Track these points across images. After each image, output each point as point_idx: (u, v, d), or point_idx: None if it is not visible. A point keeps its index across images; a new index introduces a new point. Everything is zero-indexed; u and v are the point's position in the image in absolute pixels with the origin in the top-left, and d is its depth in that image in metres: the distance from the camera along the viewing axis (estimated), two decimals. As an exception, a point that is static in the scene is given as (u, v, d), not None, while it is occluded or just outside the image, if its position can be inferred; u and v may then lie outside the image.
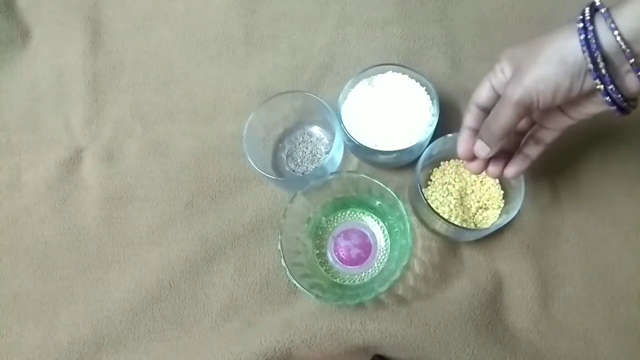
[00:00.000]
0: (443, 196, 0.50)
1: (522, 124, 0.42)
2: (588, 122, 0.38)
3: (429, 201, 0.47)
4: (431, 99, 0.50)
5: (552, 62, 0.33)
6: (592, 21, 0.32)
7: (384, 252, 0.51)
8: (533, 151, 0.41)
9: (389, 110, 0.50)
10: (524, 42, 0.36)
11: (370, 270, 0.50)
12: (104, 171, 0.57)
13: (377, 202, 0.51)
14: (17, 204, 0.57)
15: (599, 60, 0.32)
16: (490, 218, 0.49)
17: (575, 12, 0.33)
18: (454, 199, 0.50)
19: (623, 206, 0.51)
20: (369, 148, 0.48)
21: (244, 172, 0.55)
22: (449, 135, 0.48)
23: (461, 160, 0.52)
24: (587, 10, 0.33)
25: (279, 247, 0.46)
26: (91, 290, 0.53)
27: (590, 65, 0.32)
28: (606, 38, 0.32)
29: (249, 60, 0.61)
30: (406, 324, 0.47)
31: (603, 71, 0.32)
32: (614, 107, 0.34)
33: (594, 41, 0.32)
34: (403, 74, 0.51)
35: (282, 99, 0.51)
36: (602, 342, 0.47)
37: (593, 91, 0.34)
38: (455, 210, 0.49)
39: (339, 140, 0.49)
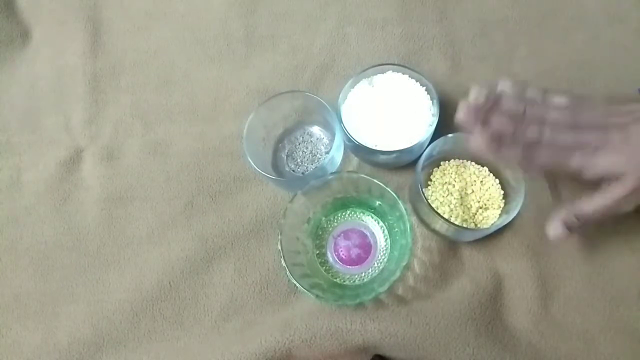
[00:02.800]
0: (443, 196, 0.50)
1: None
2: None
3: (429, 201, 0.47)
4: (431, 99, 0.50)
5: None
6: None
7: (384, 252, 0.51)
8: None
9: (389, 110, 0.50)
10: None
11: (370, 270, 0.50)
12: (104, 171, 0.57)
13: (377, 202, 0.51)
14: (17, 204, 0.57)
15: None
16: (490, 218, 0.49)
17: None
18: (454, 199, 0.50)
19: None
20: (369, 148, 0.48)
21: (244, 172, 0.55)
22: (449, 135, 0.48)
23: (461, 160, 0.52)
24: None
25: (279, 247, 0.46)
26: (91, 290, 0.53)
27: None
28: None
29: (249, 60, 0.61)
30: (406, 324, 0.47)
31: None
32: None
33: None
34: (403, 74, 0.51)
35: (282, 99, 0.51)
36: (602, 342, 0.47)
37: None
38: (456, 210, 0.49)
39: (339, 140, 0.49)
